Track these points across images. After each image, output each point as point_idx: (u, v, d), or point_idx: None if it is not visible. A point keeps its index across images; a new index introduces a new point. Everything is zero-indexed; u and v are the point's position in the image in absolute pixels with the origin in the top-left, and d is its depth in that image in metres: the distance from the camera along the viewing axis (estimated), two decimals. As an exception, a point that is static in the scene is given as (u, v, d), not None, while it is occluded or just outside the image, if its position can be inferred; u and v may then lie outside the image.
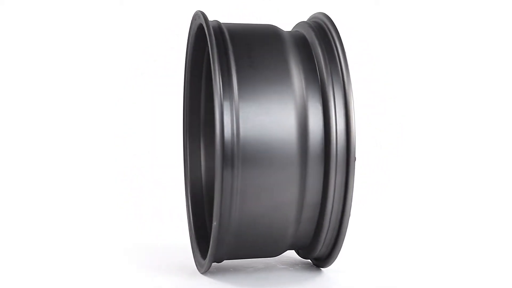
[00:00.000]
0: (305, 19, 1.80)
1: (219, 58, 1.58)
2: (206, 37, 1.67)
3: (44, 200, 2.47)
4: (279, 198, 1.56)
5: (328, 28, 1.67)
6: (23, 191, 2.54)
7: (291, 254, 1.87)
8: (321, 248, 1.67)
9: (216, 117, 1.51)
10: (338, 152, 1.55)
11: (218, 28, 1.67)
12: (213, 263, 1.77)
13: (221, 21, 1.76)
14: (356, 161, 1.56)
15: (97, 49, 2.80)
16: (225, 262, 1.80)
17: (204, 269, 1.67)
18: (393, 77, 2.85)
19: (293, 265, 1.79)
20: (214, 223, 1.54)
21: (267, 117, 1.55)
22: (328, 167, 1.56)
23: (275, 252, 1.69)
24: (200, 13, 1.67)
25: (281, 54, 1.62)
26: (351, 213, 1.60)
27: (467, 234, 2.12)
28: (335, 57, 1.62)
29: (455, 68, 2.85)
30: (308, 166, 1.56)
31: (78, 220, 2.28)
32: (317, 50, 1.65)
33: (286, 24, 1.84)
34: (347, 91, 1.59)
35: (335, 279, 1.69)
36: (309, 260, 1.81)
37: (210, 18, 1.81)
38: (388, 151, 2.78)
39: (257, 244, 1.64)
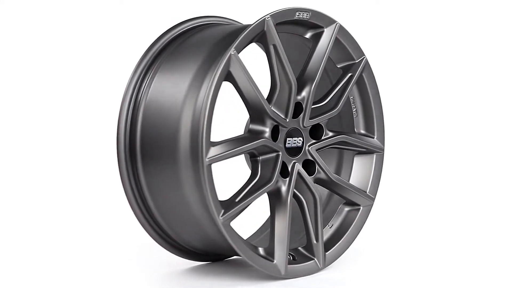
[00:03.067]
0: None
1: (150, 63, 1.67)
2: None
3: (43, 200, 2.47)
4: (178, 195, 1.58)
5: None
6: (23, 190, 2.54)
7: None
8: None
9: (119, 116, 1.66)
10: (203, 155, 1.51)
11: (180, 33, 1.72)
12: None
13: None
14: None
15: (96, 49, 2.80)
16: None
17: (175, 253, 1.73)
18: (393, 77, 2.86)
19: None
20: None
21: (161, 118, 1.60)
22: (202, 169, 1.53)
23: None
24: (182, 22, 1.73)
25: (198, 57, 1.60)
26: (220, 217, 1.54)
27: (468, 234, 2.12)
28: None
29: (455, 67, 2.86)
30: (192, 167, 1.54)
31: (78, 220, 2.29)
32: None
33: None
34: (213, 91, 1.51)
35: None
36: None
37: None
38: (388, 151, 2.78)
39: (202, 243, 1.67)
